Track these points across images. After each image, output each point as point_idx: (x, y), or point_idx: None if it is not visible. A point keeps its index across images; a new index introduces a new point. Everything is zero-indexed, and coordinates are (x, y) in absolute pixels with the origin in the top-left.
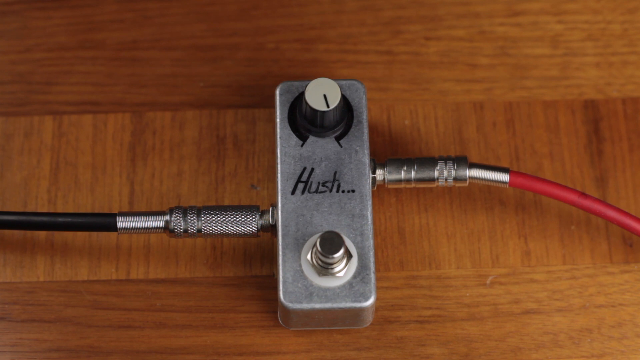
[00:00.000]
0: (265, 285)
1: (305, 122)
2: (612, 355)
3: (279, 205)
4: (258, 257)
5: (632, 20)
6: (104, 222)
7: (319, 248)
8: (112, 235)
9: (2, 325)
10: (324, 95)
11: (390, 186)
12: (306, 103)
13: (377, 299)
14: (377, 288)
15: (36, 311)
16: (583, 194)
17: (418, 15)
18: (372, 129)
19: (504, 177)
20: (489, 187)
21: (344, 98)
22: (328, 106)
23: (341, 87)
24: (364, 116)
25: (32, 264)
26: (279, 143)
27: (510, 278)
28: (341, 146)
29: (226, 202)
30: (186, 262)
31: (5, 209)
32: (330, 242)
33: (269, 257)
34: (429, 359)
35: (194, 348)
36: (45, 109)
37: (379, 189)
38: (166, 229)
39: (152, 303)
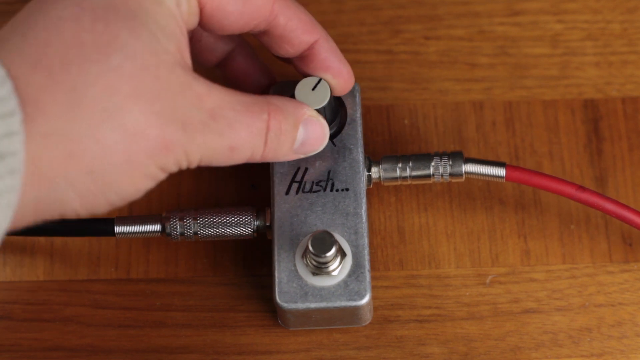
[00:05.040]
0: (265, 285)
1: None
2: (612, 354)
3: (274, 205)
4: (258, 256)
5: (632, 20)
6: (102, 228)
7: (311, 248)
8: None
9: (2, 325)
10: (314, 94)
11: (386, 183)
12: None
13: (376, 299)
14: (377, 287)
15: (36, 310)
16: (581, 187)
17: (418, 15)
18: (372, 129)
19: (500, 171)
20: (489, 186)
21: (336, 97)
22: (317, 105)
23: None
24: (358, 114)
25: (32, 263)
26: None
27: (510, 277)
28: (335, 145)
29: (226, 202)
30: (186, 262)
31: None
32: (322, 242)
33: (269, 256)
34: (429, 358)
35: (194, 347)
36: None
37: (378, 187)
38: (163, 232)
39: (151, 302)
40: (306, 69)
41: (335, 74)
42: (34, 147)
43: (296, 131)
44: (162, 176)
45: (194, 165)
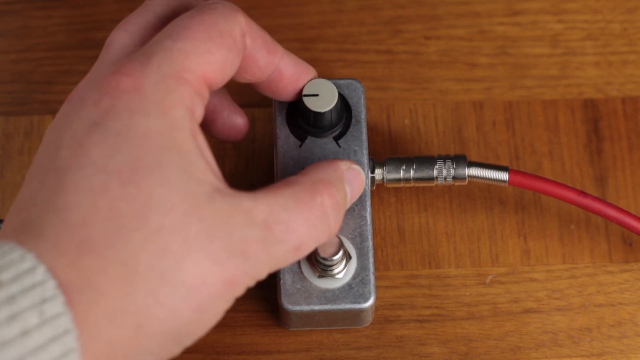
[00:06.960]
0: (265, 285)
1: (303, 122)
2: (612, 354)
3: None
4: None
5: (632, 20)
6: None
7: (317, 250)
8: None
9: None
10: (321, 97)
11: (389, 185)
12: (303, 104)
13: (376, 298)
14: (377, 287)
15: None
16: (582, 192)
17: (418, 15)
18: (372, 129)
19: (503, 175)
20: (489, 187)
21: (342, 98)
22: (325, 107)
23: (339, 87)
24: (363, 116)
25: None
26: (277, 144)
27: (510, 277)
28: (340, 146)
29: None
30: None
31: (5, 209)
32: (329, 245)
33: None
34: (429, 358)
35: (193, 347)
36: (45, 109)
37: (378, 188)
38: None
39: None
40: (275, 89)
41: (306, 81)
42: (104, 331)
43: (345, 191)
44: (230, 305)
45: (263, 278)
